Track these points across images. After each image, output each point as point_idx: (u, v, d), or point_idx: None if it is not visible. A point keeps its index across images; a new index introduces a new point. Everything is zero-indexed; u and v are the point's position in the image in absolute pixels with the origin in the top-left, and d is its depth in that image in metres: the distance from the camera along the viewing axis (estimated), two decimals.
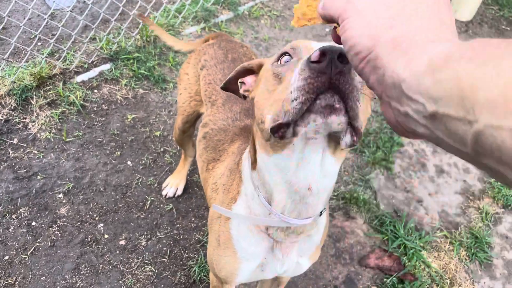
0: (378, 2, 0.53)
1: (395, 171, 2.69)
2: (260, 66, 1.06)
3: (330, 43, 0.88)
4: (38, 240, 2.05)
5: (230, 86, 1.14)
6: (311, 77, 0.70)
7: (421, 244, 2.33)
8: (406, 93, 0.45)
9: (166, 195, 2.30)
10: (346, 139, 0.77)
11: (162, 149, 2.53)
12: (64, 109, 2.56)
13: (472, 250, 2.37)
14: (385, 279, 2.17)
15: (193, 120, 1.89)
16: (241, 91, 1.10)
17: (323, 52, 0.68)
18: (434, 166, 2.79)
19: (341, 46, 0.68)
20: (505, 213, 2.62)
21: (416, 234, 2.36)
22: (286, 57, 0.89)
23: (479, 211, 2.59)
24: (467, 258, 2.36)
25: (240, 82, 1.11)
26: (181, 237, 2.18)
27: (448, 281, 2.24)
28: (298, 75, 0.72)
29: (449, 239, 2.42)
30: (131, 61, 2.91)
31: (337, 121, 0.73)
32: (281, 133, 0.77)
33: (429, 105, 0.42)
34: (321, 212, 1.01)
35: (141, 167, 2.42)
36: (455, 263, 2.33)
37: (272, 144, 0.87)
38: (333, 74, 0.69)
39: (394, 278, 2.15)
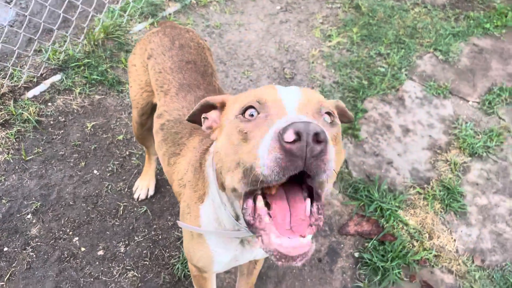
0: None
1: (362, 138, 2.72)
2: (223, 104, 1.03)
3: (294, 93, 0.86)
4: (13, 265, 1.99)
5: (195, 118, 1.10)
6: (283, 159, 0.68)
7: (397, 204, 2.38)
8: None
9: (138, 198, 2.27)
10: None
11: (127, 153, 2.48)
12: (19, 128, 2.47)
13: (446, 202, 2.43)
14: (366, 244, 2.21)
15: (149, 111, 1.85)
16: (203, 127, 1.07)
17: (298, 133, 0.66)
18: (399, 127, 2.84)
19: (316, 123, 0.67)
20: (473, 161, 2.70)
21: (390, 195, 2.41)
22: (251, 111, 0.85)
23: (448, 163, 2.66)
24: (442, 210, 2.42)
25: (203, 117, 1.08)
26: (160, 237, 2.16)
27: (427, 235, 2.30)
28: (268, 152, 0.69)
29: (422, 195, 2.48)
30: (82, 68, 2.82)
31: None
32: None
33: None
34: None
35: (108, 174, 2.37)
36: (431, 217, 2.39)
37: (233, 194, 0.89)
38: (308, 158, 0.67)
39: (374, 241, 2.20)
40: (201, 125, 1.09)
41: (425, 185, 2.54)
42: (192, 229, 1.17)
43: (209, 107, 1.06)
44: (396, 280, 2.07)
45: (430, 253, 2.21)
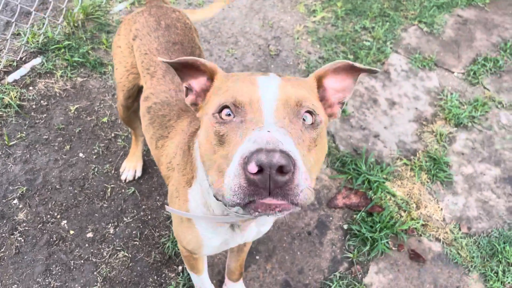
0: None
1: (349, 112, 2.72)
2: (212, 73, 0.98)
3: (272, 90, 0.83)
4: (1, 250, 1.98)
5: (180, 71, 1.03)
6: (247, 188, 0.69)
7: (384, 176, 2.40)
8: None
9: (126, 180, 2.25)
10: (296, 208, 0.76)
11: (112, 135, 2.45)
12: (0, 113, 2.42)
13: (432, 172, 2.46)
14: (354, 216, 2.23)
15: (135, 94, 1.81)
16: (187, 101, 1.03)
17: (261, 167, 0.66)
18: (385, 100, 2.84)
19: (283, 149, 0.66)
20: (458, 131, 2.72)
21: (377, 167, 2.43)
22: (227, 111, 0.84)
23: (434, 134, 2.68)
24: (428, 181, 2.45)
25: (186, 87, 1.03)
26: (149, 217, 2.16)
27: (414, 205, 2.33)
28: (234, 176, 0.70)
29: (409, 166, 2.50)
30: (62, 50, 2.76)
31: (279, 213, 0.73)
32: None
33: None
34: None
35: (94, 156, 2.34)
36: (418, 187, 2.41)
37: None
38: (272, 188, 0.68)
39: (363, 213, 2.22)
40: (178, 75, 1.04)
41: (412, 157, 2.56)
42: (181, 214, 1.16)
43: (197, 71, 1.00)
44: (384, 250, 2.10)
45: (418, 222, 2.24)
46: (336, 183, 2.38)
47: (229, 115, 0.82)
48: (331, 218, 2.24)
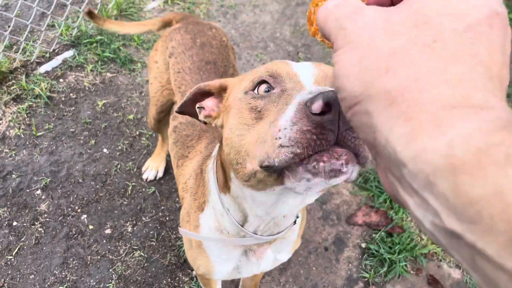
0: (380, 26, 0.34)
1: None
2: (221, 89, 0.90)
3: (309, 68, 0.73)
4: (22, 239, 2.02)
5: (188, 109, 0.96)
6: (311, 132, 0.56)
7: None
8: (409, 182, 0.30)
9: (147, 179, 2.27)
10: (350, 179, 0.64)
11: (137, 133, 2.47)
12: (30, 103, 2.47)
13: None
14: (373, 235, 2.19)
15: (168, 109, 1.80)
16: (201, 117, 0.94)
17: (328, 104, 0.55)
18: None
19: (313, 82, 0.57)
20: None
21: None
22: (264, 86, 0.73)
23: None
24: None
25: (198, 107, 0.94)
26: (167, 218, 2.16)
27: None
28: (292, 123, 0.58)
29: None
30: (94, 44, 2.79)
31: (341, 180, 0.61)
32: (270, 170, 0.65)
33: (448, 219, 0.27)
34: (295, 221, 1.00)
35: (118, 153, 2.37)
36: None
37: (250, 184, 0.75)
38: (341, 131, 0.56)
39: (382, 233, 2.18)
40: (194, 117, 0.97)
41: None
42: (194, 236, 1.11)
43: (204, 94, 0.93)
44: (402, 273, 2.06)
45: (439, 247, 2.18)
46: (357, 199, 2.34)
47: (267, 91, 0.73)
48: (349, 235, 2.20)
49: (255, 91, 0.74)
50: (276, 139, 0.60)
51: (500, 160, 0.25)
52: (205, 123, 0.94)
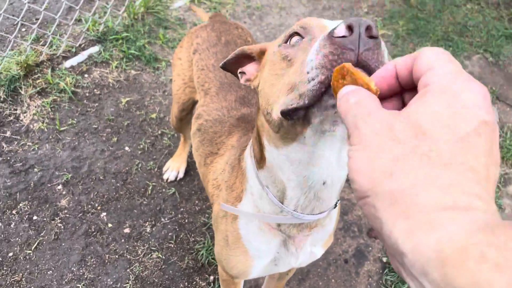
0: (386, 134, 0.41)
1: None
2: (262, 53, 0.94)
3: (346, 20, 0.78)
4: (41, 234, 2.02)
5: (229, 67, 1.02)
6: (334, 54, 0.60)
7: None
8: (410, 270, 0.36)
9: (167, 179, 2.25)
10: None
11: (159, 132, 2.46)
12: (55, 97, 2.48)
13: None
14: None
15: (190, 107, 1.80)
16: (242, 81, 0.99)
17: (349, 26, 0.59)
18: None
19: (368, 20, 0.60)
20: None
21: None
22: (296, 38, 0.77)
23: None
24: None
25: (240, 72, 0.99)
26: (186, 221, 2.14)
27: None
28: (317, 51, 0.62)
29: None
30: (120, 41, 2.79)
31: None
32: (293, 116, 0.68)
33: None
34: (335, 204, 0.95)
35: (139, 152, 2.36)
36: None
37: (282, 135, 0.78)
38: (361, 51, 0.59)
39: None
40: (234, 75, 1.02)
41: None
42: (234, 211, 1.10)
43: (245, 58, 0.97)
44: None
45: None
46: None
47: (298, 41, 0.76)
48: (370, 248, 2.15)
49: (288, 43, 0.78)
50: (305, 74, 0.63)
51: (476, 257, 0.31)
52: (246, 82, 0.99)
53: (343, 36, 0.59)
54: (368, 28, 0.58)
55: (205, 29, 1.65)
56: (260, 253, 1.14)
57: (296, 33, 0.77)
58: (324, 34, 0.62)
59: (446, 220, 0.34)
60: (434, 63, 0.43)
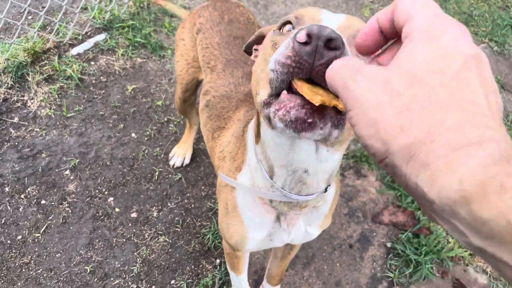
0: (380, 88, 0.41)
1: None
2: None
3: (337, 16, 0.77)
4: (49, 218, 2.04)
5: (250, 49, 1.05)
6: (291, 59, 0.60)
7: None
8: (441, 215, 0.37)
9: (173, 165, 2.27)
10: (332, 136, 0.66)
11: (165, 119, 2.47)
12: (62, 84, 2.49)
13: None
14: (400, 235, 2.16)
15: (193, 88, 1.83)
16: (252, 57, 1.02)
17: (309, 35, 0.57)
18: None
19: (335, 30, 0.58)
20: None
21: None
22: (288, 26, 0.78)
23: None
24: None
25: (255, 49, 1.02)
26: (193, 206, 2.16)
27: None
28: (284, 49, 0.61)
29: None
30: (126, 29, 2.80)
31: (312, 136, 0.64)
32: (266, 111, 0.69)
33: (472, 238, 0.35)
34: (325, 189, 0.98)
35: (146, 138, 2.37)
36: None
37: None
38: (315, 65, 0.58)
39: (409, 233, 2.14)
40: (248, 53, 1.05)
41: None
42: (230, 181, 1.15)
43: (262, 37, 1.00)
44: (428, 275, 2.02)
45: (466, 251, 2.13)
46: (384, 198, 2.30)
47: (289, 31, 0.77)
48: (374, 234, 2.17)
49: (281, 30, 0.79)
50: (269, 71, 0.64)
51: (497, 189, 0.32)
52: None
53: (305, 43, 0.58)
54: (329, 40, 0.56)
55: (207, 9, 1.67)
56: (255, 225, 1.18)
57: (289, 22, 0.77)
58: (292, 34, 0.62)
59: (463, 158, 0.35)
60: (411, 11, 0.44)
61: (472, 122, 0.37)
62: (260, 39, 1.00)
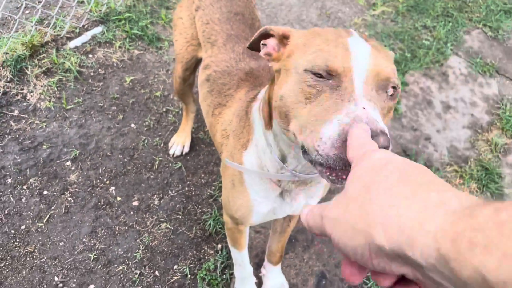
0: (347, 209, 0.48)
1: (401, 111, 2.66)
2: (284, 37, 1.00)
3: (368, 63, 0.83)
4: (52, 208, 2.07)
5: (255, 46, 1.08)
6: (339, 155, 0.71)
7: None
8: (434, 279, 0.39)
9: (173, 154, 2.30)
10: None
11: (164, 109, 2.50)
12: (60, 77, 2.51)
13: (483, 182, 2.37)
14: None
15: (193, 66, 1.85)
16: (261, 53, 1.05)
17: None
18: (440, 103, 2.75)
19: (383, 131, 0.69)
20: None
21: None
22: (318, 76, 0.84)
23: (488, 143, 2.58)
24: (478, 190, 2.36)
25: (262, 43, 1.05)
26: (193, 193, 2.19)
27: None
28: (329, 137, 0.72)
29: (459, 173, 2.42)
30: (123, 21, 2.82)
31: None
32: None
33: None
34: None
35: (145, 128, 2.40)
36: None
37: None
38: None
39: None
40: (256, 51, 1.08)
41: (463, 164, 2.47)
42: (238, 167, 1.19)
43: (267, 35, 1.04)
44: None
45: None
46: None
47: (321, 76, 0.82)
48: None
49: (313, 72, 0.83)
50: (316, 144, 0.75)
51: (467, 245, 0.34)
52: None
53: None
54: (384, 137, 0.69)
55: None
56: (260, 198, 1.22)
57: (321, 75, 0.82)
58: (340, 125, 0.72)
59: (431, 217, 0.38)
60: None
61: (429, 188, 0.42)
62: (263, 37, 1.03)
